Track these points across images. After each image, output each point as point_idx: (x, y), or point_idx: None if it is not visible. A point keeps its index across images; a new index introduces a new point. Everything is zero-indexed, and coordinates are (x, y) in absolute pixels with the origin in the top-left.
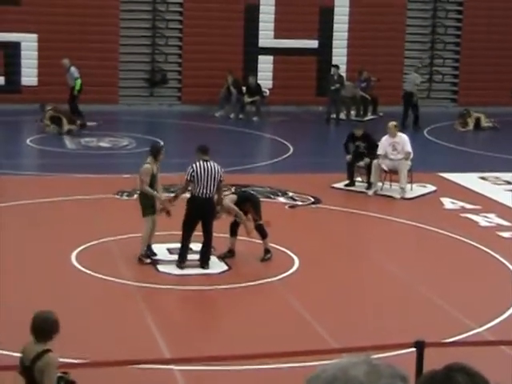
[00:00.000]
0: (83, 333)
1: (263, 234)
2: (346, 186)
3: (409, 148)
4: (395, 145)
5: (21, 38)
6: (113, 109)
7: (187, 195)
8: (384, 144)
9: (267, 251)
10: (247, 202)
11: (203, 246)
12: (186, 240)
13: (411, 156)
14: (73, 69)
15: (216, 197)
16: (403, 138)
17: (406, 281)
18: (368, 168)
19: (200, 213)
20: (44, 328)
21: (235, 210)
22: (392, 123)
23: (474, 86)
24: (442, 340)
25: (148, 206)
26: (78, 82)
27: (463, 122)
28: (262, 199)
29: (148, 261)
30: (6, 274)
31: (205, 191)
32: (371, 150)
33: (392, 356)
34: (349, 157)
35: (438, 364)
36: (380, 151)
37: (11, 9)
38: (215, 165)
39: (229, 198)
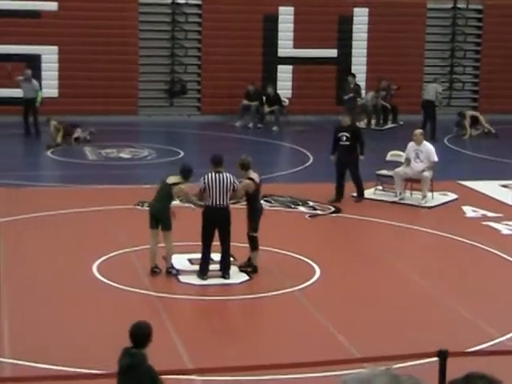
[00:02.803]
0: (105, 343)
1: (254, 246)
2: (333, 202)
3: (435, 157)
4: (418, 153)
5: (41, 51)
6: (133, 120)
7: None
8: (409, 150)
9: (252, 265)
10: (251, 203)
11: (222, 256)
12: (205, 251)
13: (435, 166)
14: (34, 81)
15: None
16: (428, 148)
17: (428, 290)
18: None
19: (214, 223)
20: None
21: (244, 189)
22: (419, 131)
23: (495, 94)
24: (465, 349)
25: (170, 219)
26: (40, 93)
27: (463, 129)
28: (282, 209)
29: (175, 271)
30: (28, 284)
31: (217, 202)
32: (354, 141)
33: (415, 365)
34: (332, 157)
35: (461, 374)
36: (405, 155)
37: (31, 22)
38: (227, 175)
39: (249, 185)
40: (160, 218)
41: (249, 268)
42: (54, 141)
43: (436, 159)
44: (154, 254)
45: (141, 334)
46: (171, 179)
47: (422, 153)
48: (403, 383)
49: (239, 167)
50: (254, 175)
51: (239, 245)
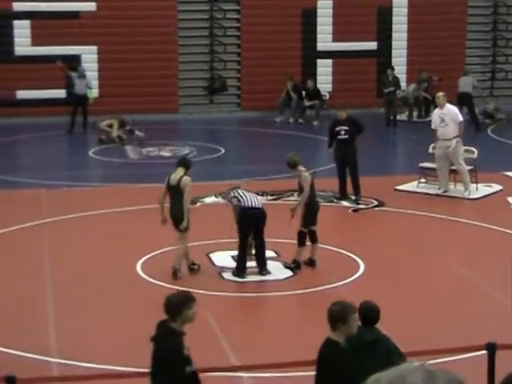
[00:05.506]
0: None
1: (300, 242)
2: (338, 199)
3: (459, 117)
4: (443, 116)
5: (81, 51)
6: (173, 118)
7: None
8: (434, 118)
9: (295, 262)
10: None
11: (257, 253)
12: (242, 249)
13: (462, 128)
14: (88, 78)
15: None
16: (451, 109)
17: (475, 283)
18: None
19: (253, 223)
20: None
21: (308, 184)
22: (441, 93)
23: None
24: None
25: (188, 220)
26: (93, 91)
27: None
28: (325, 204)
29: (180, 274)
30: (73, 284)
31: (254, 201)
32: (358, 133)
33: (463, 359)
34: (330, 151)
35: (511, 366)
36: (432, 126)
37: (71, 22)
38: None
39: (308, 179)
40: (178, 218)
41: (293, 264)
42: (109, 136)
43: (461, 119)
44: (187, 252)
45: (371, 315)
46: (176, 176)
47: (446, 115)
48: (439, 378)
49: (288, 166)
50: (305, 171)
51: (285, 241)
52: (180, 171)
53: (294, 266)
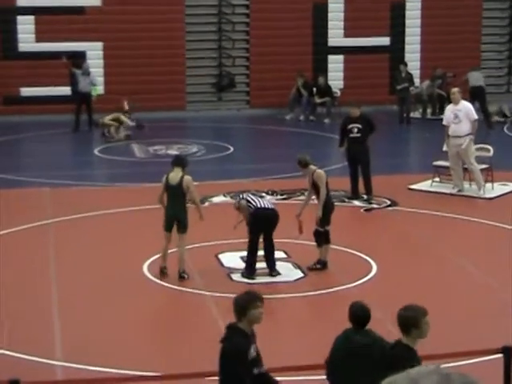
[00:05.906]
0: (158, 344)
1: (318, 242)
2: (350, 199)
3: (474, 115)
4: (457, 113)
5: (86, 47)
6: (181, 115)
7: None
8: (447, 114)
9: (319, 262)
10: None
11: (266, 254)
12: (252, 250)
13: (476, 126)
14: (92, 75)
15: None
16: (466, 106)
17: (489, 284)
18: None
19: (265, 223)
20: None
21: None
22: (456, 89)
23: None
24: None
25: (188, 221)
26: (97, 88)
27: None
28: (336, 203)
29: (187, 276)
30: (79, 285)
31: (265, 203)
32: (370, 132)
33: (478, 362)
34: (342, 149)
35: None
36: (444, 121)
37: (76, 18)
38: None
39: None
40: (179, 219)
41: (318, 264)
42: (111, 131)
43: (476, 117)
44: (166, 254)
45: (363, 316)
46: (175, 176)
47: (461, 111)
48: (454, 381)
49: (299, 165)
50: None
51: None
52: (178, 171)
53: (320, 267)
